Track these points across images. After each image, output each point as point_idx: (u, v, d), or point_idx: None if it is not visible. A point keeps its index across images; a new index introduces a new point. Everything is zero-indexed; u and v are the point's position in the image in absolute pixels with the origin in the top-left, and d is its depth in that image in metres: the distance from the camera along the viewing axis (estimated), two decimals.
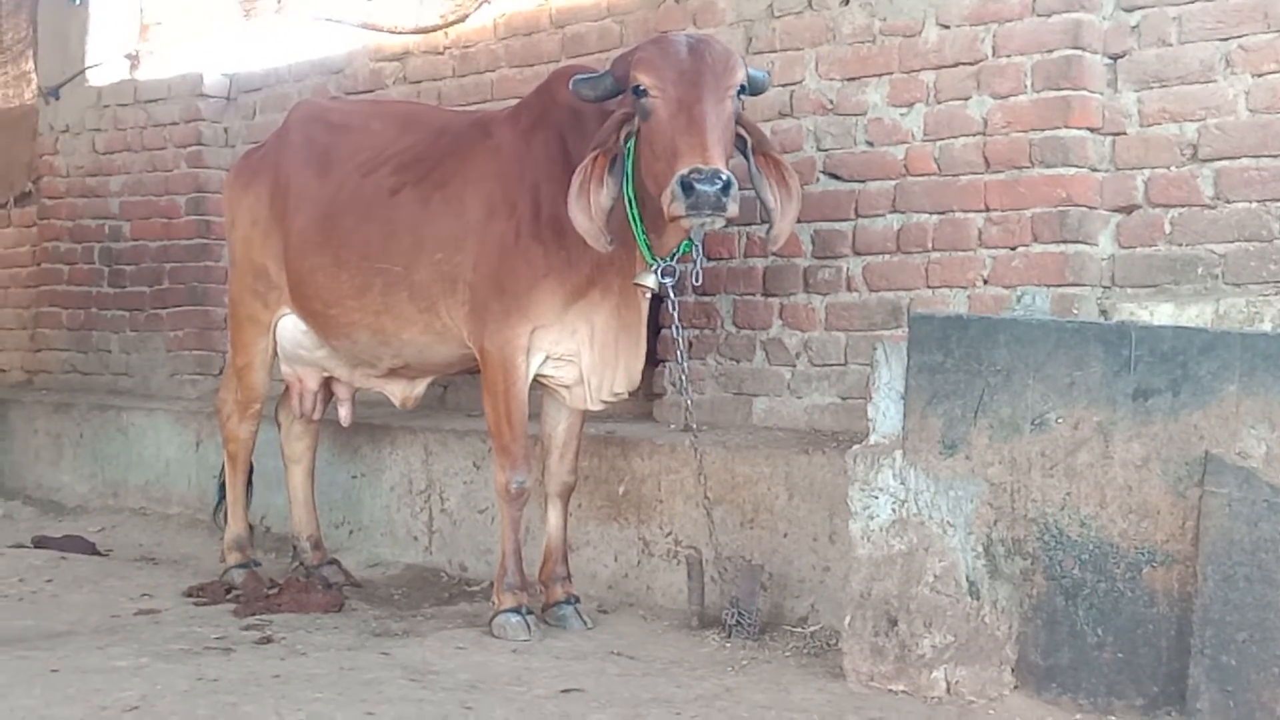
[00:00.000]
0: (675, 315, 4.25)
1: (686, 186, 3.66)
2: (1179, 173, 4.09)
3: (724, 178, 3.67)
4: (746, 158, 4.02)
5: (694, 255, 4.15)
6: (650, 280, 4.15)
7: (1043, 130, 4.18)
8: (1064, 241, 4.15)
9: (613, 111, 4.10)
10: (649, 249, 4.09)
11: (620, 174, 3.97)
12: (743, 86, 3.94)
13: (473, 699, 3.55)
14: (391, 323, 4.52)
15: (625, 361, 4.28)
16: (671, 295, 4.19)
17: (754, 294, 4.84)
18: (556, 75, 4.41)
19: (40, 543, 5.80)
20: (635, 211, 4.04)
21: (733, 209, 3.72)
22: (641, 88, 3.88)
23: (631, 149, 3.99)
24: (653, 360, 4.81)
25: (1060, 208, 4.15)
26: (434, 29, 6.03)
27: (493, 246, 4.24)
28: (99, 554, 5.73)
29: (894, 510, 3.61)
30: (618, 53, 4.93)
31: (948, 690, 3.52)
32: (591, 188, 3.91)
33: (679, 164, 3.72)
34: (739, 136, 3.98)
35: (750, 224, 4.69)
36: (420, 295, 4.42)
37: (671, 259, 4.12)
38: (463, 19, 5.93)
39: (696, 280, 4.23)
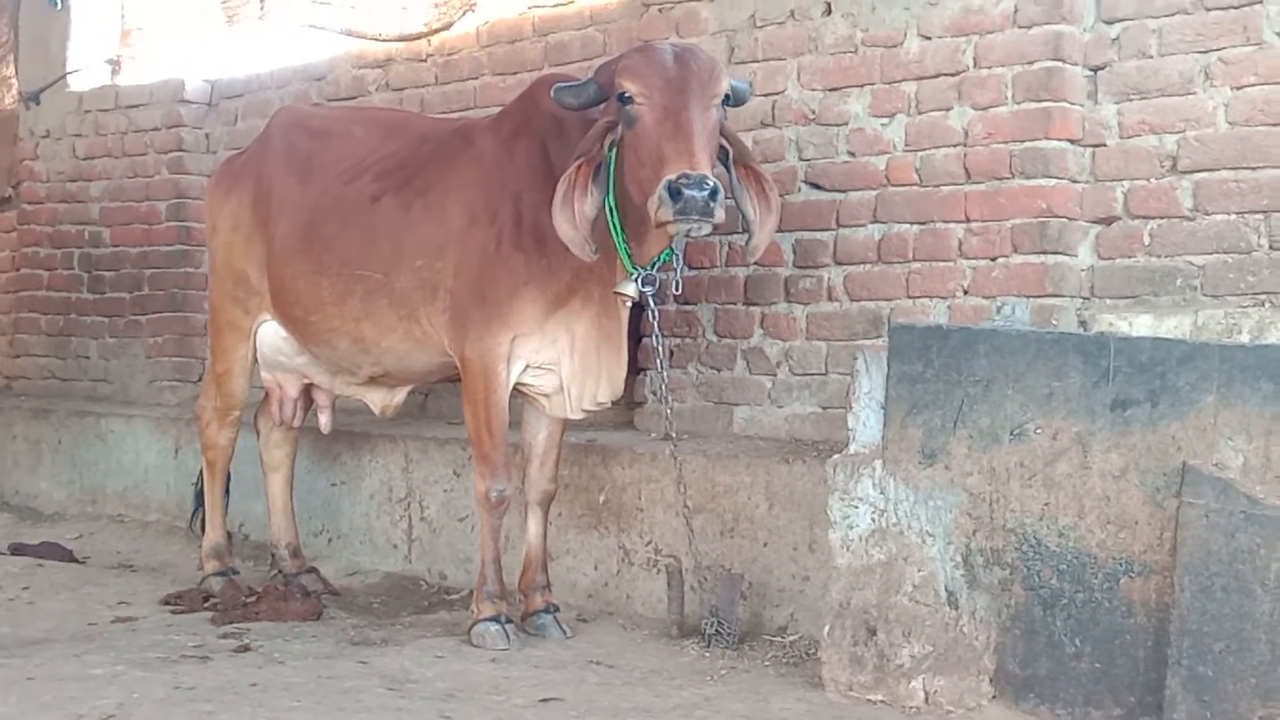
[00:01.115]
0: (655, 324, 4.25)
1: (674, 192, 3.67)
2: (1158, 184, 4.10)
3: (711, 183, 3.68)
4: (728, 168, 4.03)
5: (674, 264, 4.16)
6: (630, 289, 4.16)
7: (1023, 141, 4.19)
8: (1044, 252, 4.16)
9: (595, 120, 4.11)
10: (629, 257, 4.09)
11: (605, 182, 3.96)
12: (727, 96, 3.95)
13: (451, 708, 3.54)
14: (372, 330, 4.51)
15: (607, 370, 4.27)
16: (652, 304, 4.19)
17: (735, 303, 4.84)
18: (538, 83, 4.42)
19: (17, 549, 5.78)
20: (616, 220, 4.04)
21: (720, 215, 3.73)
22: (627, 95, 3.88)
23: (613, 157, 3.99)
24: (634, 369, 4.80)
25: (1040, 219, 4.16)
26: (418, 36, 6.02)
27: (474, 254, 4.24)
28: (76, 561, 5.71)
29: (873, 520, 3.62)
30: (600, 61, 4.94)
31: (926, 700, 3.53)
32: (576, 196, 3.91)
33: (666, 170, 3.72)
34: (720, 147, 3.99)
35: (732, 233, 4.68)
36: (401, 303, 4.42)
37: (652, 267, 4.12)
38: (447, 26, 5.93)
39: (677, 289, 4.25)
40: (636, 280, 4.12)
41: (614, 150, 3.98)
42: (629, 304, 4.26)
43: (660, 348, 4.33)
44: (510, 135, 4.33)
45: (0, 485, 7.12)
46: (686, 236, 3.90)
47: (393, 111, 5.49)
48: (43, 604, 4.84)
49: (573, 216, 3.91)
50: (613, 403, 4.40)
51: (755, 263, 4.68)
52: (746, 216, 4.04)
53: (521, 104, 4.41)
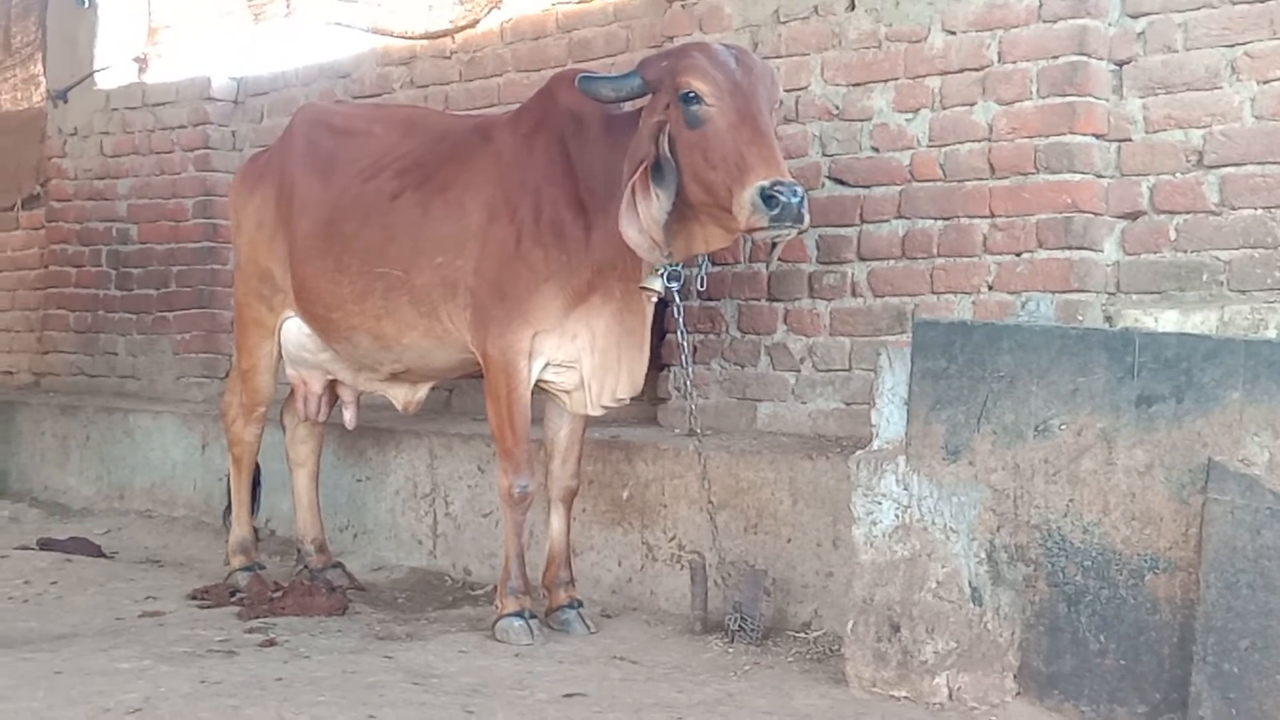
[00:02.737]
0: (680, 320, 4.25)
1: (769, 198, 3.68)
2: (1184, 179, 4.08)
3: (800, 190, 3.72)
4: None
5: (698, 260, 4.16)
6: (657, 284, 4.15)
7: (1048, 136, 4.17)
8: (1069, 248, 4.14)
9: (617, 115, 4.12)
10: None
11: (672, 183, 3.89)
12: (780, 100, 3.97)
13: (475, 703, 3.55)
14: (392, 327, 4.52)
15: (627, 366, 4.27)
16: (678, 299, 4.18)
17: (759, 299, 4.84)
18: (557, 79, 4.41)
19: (46, 544, 5.81)
20: None
21: (808, 219, 3.75)
22: (693, 94, 3.86)
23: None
24: (656, 365, 4.81)
25: (1065, 214, 4.15)
26: (444, 34, 6.03)
27: (494, 251, 4.24)
28: (104, 556, 5.73)
29: (897, 516, 3.61)
30: (624, 58, 4.95)
31: (950, 697, 3.52)
32: (639, 200, 3.89)
33: (750, 176, 3.72)
34: None
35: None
36: (421, 300, 4.43)
37: (678, 264, 4.12)
38: (473, 24, 5.93)
39: (701, 285, 4.24)
40: (663, 275, 4.11)
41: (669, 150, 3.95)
42: (654, 299, 4.26)
43: (684, 344, 4.33)
44: (529, 131, 4.33)
45: (29, 481, 7.17)
46: (773, 240, 3.91)
47: (413, 109, 5.49)
48: (71, 599, 4.87)
49: (638, 221, 3.90)
50: (636, 399, 4.41)
51: (779, 258, 4.67)
52: None
53: (540, 100, 4.41)
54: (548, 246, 4.18)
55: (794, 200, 3.68)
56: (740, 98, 3.84)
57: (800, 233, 3.86)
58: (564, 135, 4.26)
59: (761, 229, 3.75)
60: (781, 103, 3.99)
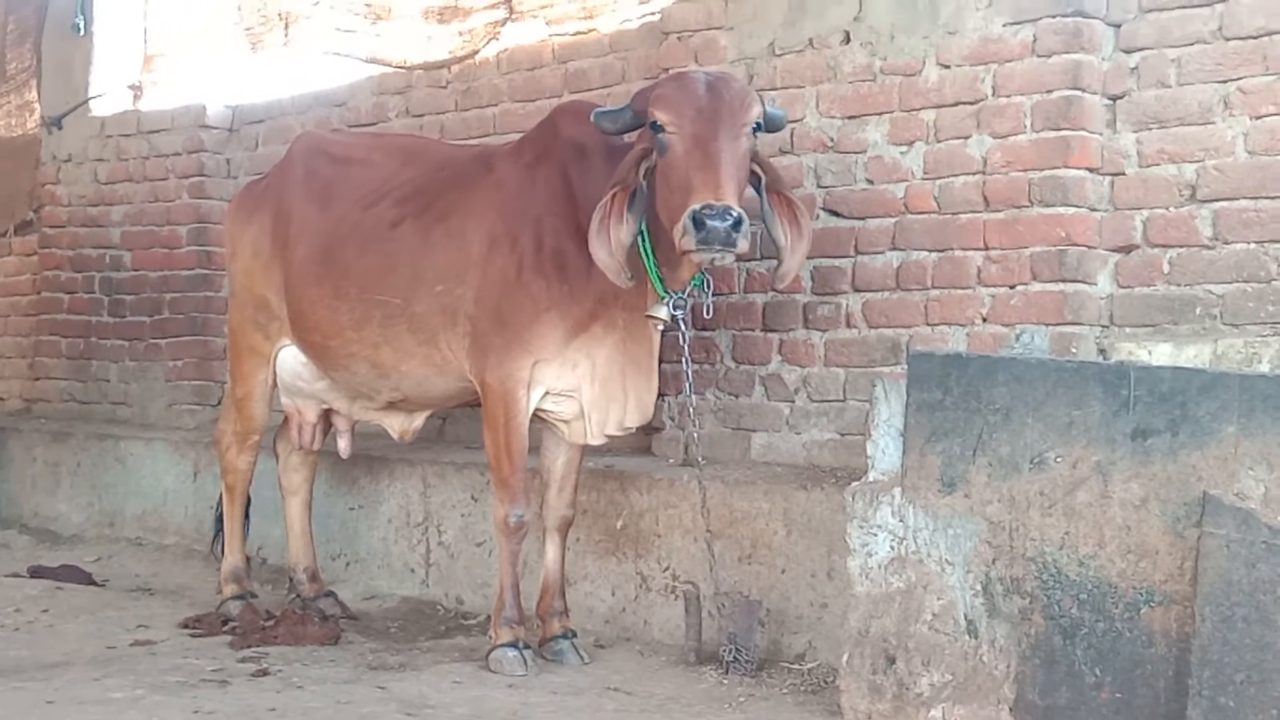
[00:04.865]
0: (686, 349, 4.26)
1: (698, 221, 3.71)
2: (1177, 213, 4.11)
3: (735, 214, 3.71)
4: (760, 194, 4.05)
5: (704, 290, 4.18)
6: (664, 312, 4.16)
7: (1042, 170, 4.19)
8: (1063, 280, 4.16)
9: (618, 146, 4.14)
10: (661, 282, 4.11)
11: (640, 210, 3.96)
12: (758, 124, 3.97)
13: None
14: (390, 355, 4.52)
15: (635, 395, 4.28)
16: (683, 328, 4.19)
17: (753, 329, 4.85)
18: (559, 110, 4.45)
19: (36, 572, 5.79)
20: (648, 245, 4.07)
21: (743, 245, 3.77)
22: (659, 123, 3.91)
23: (645, 184, 4.00)
24: None
25: (1059, 247, 4.17)
26: (441, 64, 6.05)
27: (495, 280, 4.26)
28: (95, 584, 5.72)
29: (892, 548, 3.62)
30: (620, 89, 4.97)
31: None
32: (611, 223, 3.92)
33: (692, 199, 3.75)
34: (753, 173, 4.01)
35: (750, 259, 4.71)
36: (420, 328, 4.43)
37: (684, 292, 4.13)
38: (472, 54, 5.95)
39: (707, 313, 4.26)
40: (669, 304, 4.13)
41: (648, 178, 4.00)
42: (660, 328, 4.26)
43: (687, 373, 4.33)
44: (531, 161, 4.35)
45: (20, 508, 7.14)
46: (710, 264, 3.93)
47: (412, 138, 5.51)
48: (62, 627, 4.85)
49: (609, 243, 3.93)
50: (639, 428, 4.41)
51: (774, 289, 4.69)
52: (777, 242, 4.07)
53: (542, 131, 4.43)
54: (549, 276, 4.20)
55: (721, 224, 3.70)
56: (699, 124, 3.87)
57: (737, 258, 3.89)
58: (566, 166, 4.28)
59: (691, 251, 3.78)
60: (759, 125, 3.99)
